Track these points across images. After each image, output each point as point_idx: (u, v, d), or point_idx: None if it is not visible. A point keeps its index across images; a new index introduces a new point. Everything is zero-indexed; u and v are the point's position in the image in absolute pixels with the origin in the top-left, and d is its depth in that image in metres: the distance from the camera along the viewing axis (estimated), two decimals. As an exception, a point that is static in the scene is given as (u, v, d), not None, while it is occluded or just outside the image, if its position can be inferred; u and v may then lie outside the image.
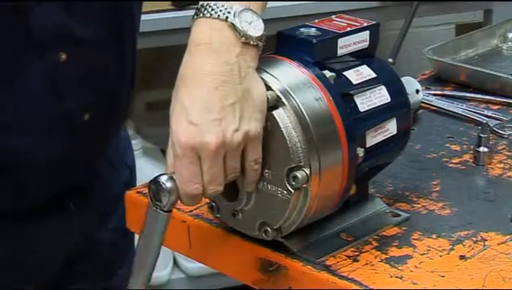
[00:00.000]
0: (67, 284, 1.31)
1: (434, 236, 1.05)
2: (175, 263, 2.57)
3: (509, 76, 1.49)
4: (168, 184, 0.93)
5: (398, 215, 1.08)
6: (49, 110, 1.14)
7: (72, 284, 1.31)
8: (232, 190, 0.99)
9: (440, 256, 1.01)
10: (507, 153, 1.28)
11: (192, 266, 2.50)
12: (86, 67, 1.16)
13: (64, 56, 1.13)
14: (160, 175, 0.94)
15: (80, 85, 1.16)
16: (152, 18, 2.10)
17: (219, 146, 0.91)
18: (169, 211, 0.95)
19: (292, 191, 0.94)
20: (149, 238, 0.97)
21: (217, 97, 0.92)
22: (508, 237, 1.05)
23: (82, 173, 1.25)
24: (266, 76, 0.95)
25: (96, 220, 1.32)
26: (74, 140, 1.18)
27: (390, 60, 1.15)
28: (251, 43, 0.94)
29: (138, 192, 1.16)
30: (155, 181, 0.94)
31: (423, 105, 1.41)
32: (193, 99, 0.92)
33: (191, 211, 1.10)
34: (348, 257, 1.00)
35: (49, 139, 1.16)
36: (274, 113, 0.93)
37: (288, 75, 0.96)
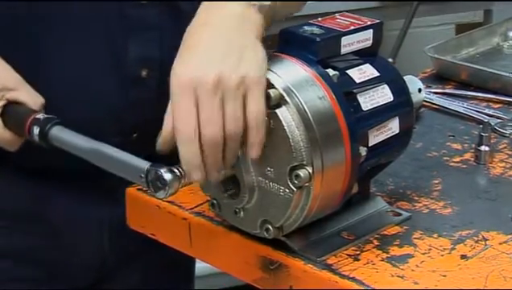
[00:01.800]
0: None
1: (435, 235, 1.05)
2: (176, 262, 2.57)
3: (510, 75, 1.49)
4: (169, 177, 0.92)
5: (400, 214, 1.08)
6: (110, 51, 1.17)
7: None
8: (233, 185, 0.99)
9: (442, 255, 1.01)
10: (508, 152, 1.28)
11: (193, 266, 2.49)
12: (161, 22, 1.19)
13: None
14: (160, 166, 0.94)
15: (148, 37, 1.18)
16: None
17: (216, 83, 0.91)
18: None
19: (294, 189, 0.94)
20: (108, 163, 1.00)
21: (221, 40, 0.94)
22: (509, 236, 1.05)
23: (117, 135, 1.22)
24: (269, 74, 0.95)
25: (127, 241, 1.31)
26: (125, 93, 1.19)
27: (390, 59, 1.15)
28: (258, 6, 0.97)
29: (139, 189, 1.15)
30: (156, 171, 0.93)
31: (424, 103, 1.41)
32: (197, 39, 0.95)
33: (192, 209, 1.10)
34: (350, 256, 1.00)
35: (99, 80, 1.18)
36: (277, 111, 0.93)
37: (291, 73, 0.96)
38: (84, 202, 1.26)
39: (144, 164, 0.95)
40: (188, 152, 0.93)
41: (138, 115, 1.22)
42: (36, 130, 1.06)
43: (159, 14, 1.20)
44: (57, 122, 1.06)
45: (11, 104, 1.11)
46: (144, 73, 1.21)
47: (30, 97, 1.11)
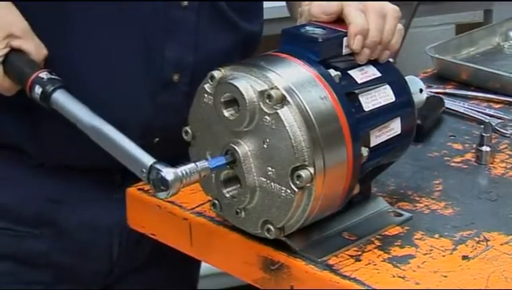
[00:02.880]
0: None
1: (436, 236, 1.04)
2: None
3: (511, 75, 1.49)
4: (170, 177, 0.92)
5: (401, 214, 1.08)
6: (146, 49, 1.16)
7: None
8: (235, 185, 0.99)
9: (443, 256, 1.01)
10: (509, 152, 1.28)
11: (193, 266, 2.49)
12: (200, 26, 1.19)
13: (185, 3, 1.17)
14: (162, 166, 0.94)
15: (185, 40, 1.19)
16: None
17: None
18: None
19: (296, 190, 0.94)
20: (109, 144, 1.00)
21: None
22: (511, 237, 1.05)
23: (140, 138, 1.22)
24: (270, 75, 0.95)
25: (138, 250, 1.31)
26: (153, 96, 1.19)
27: (391, 59, 1.15)
28: None
29: (140, 189, 1.15)
30: (157, 172, 0.93)
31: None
32: None
33: (193, 209, 1.10)
34: (351, 256, 1.00)
35: (129, 79, 1.18)
36: (279, 111, 0.93)
37: (293, 73, 0.96)
38: (95, 209, 1.25)
39: (148, 160, 0.95)
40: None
41: (164, 120, 1.21)
42: (38, 89, 1.05)
43: (199, 19, 1.19)
44: (61, 85, 1.05)
45: (14, 51, 1.09)
46: (176, 78, 1.20)
47: (35, 48, 1.10)
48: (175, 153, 1.26)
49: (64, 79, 1.11)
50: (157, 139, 1.22)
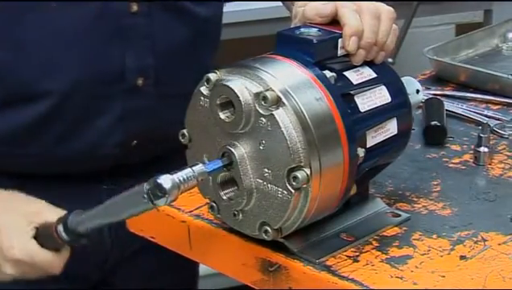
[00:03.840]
0: None
1: (434, 236, 1.05)
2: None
3: (510, 77, 1.49)
4: (168, 185, 0.92)
5: (399, 215, 1.08)
6: (105, 60, 1.18)
7: None
8: (232, 188, 0.99)
9: (441, 256, 1.01)
10: (507, 153, 1.28)
11: (193, 266, 2.49)
12: (153, 27, 1.20)
13: (135, 8, 1.18)
14: (160, 175, 0.94)
15: (142, 45, 1.20)
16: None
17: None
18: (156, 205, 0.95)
19: (293, 191, 0.94)
20: (119, 209, 0.99)
21: None
22: (508, 237, 1.05)
23: (117, 147, 1.24)
24: (266, 76, 0.95)
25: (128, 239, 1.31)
26: (121, 102, 1.21)
27: (390, 60, 1.15)
28: None
29: (139, 193, 1.15)
30: (155, 182, 0.93)
31: (421, 105, 1.41)
32: None
33: (191, 211, 1.10)
34: (349, 257, 1.00)
35: (95, 88, 1.19)
36: (275, 113, 0.93)
37: (288, 75, 0.96)
38: (83, 200, 1.26)
39: (142, 185, 0.95)
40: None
41: (137, 124, 1.23)
42: (60, 227, 1.07)
43: (152, 24, 1.21)
44: (77, 212, 1.07)
45: (41, 225, 1.11)
46: (140, 82, 1.22)
47: (57, 213, 1.11)
48: (157, 153, 1.28)
49: (26, 95, 1.15)
50: (135, 142, 1.24)
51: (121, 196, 0.99)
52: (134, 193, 0.96)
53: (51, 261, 1.11)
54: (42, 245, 1.11)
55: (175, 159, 1.28)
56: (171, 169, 0.93)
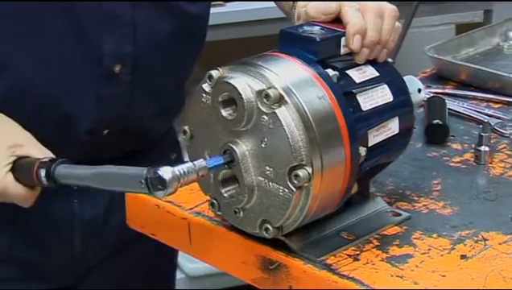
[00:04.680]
0: None
1: (435, 235, 1.05)
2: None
3: (510, 75, 1.49)
4: (168, 176, 0.92)
5: (399, 214, 1.08)
6: (83, 43, 1.17)
7: None
8: (233, 185, 0.99)
9: (441, 256, 1.01)
10: (508, 152, 1.28)
11: (193, 266, 2.49)
12: (135, 16, 1.19)
13: None
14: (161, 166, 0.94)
15: (122, 31, 1.19)
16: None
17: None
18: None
19: (294, 189, 0.94)
20: (113, 182, 0.99)
21: None
22: (509, 236, 1.05)
23: (87, 134, 1.24)
24: (268, 74, 0.95)
25: (101, 242, 1.31)
26: (96, 88, 1.20)
27: (390, 59, 1.15)
28: None
29: (139, 189, 1.15)
30: (155, 172, 0.93)
31: (423, 103, 1.41)
32: None
33: (191, 208, 1.10)
34: (349, 256, 1.00)
35: (70, 73, 1.18)
36: (277, 111, 0.93)
37: (291, 73, 0.96)
38: (55, 203, 1.26)
39: (142, 170, 0.95)
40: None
41: (110, 111, 1.22)
42: (42, 172, 1.07)
43: (133, 10, 1.20)
44: (62, 161, 1.07)
45: (21, 158, 1.11)
46: (117, 69, 1.21)
47: (39, 152, 1.11)
48: (128, 149, 1.26)
49: (4, 80, 1.14)
50: (106, 131, 1.24)
51: (117, 171, 0.98)
52: (132, 175, 0.95)
53: (24, 196, 1.11)
54: (18, 178, 1.10)
55: (148, 157, 1.28)
56: (143, 166, 0.94)
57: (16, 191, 1.10)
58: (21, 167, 1.10)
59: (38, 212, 1.23)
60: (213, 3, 2.21)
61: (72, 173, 1.05)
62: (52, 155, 1.11)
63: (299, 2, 1.10)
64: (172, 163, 0.93)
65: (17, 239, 1.26)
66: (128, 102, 1.23)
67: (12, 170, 1.10)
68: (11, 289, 1.28)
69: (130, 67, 1.21)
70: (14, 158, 1.10)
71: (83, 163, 1.04)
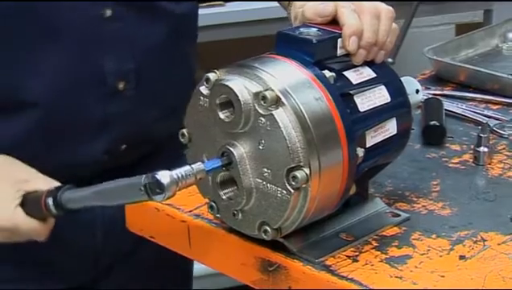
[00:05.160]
0: None
1: (434, 236, 1.05)
2: (175, 263, 2.57)
3: (509, 76, 1.49)
4: (166, 181, 0.92)
5: (398, 215, 1.08)
6: (83, 66, 1.17)
7: None
8: (231, 187, 0.99)
9: (440, 256, 1.01)
10: (507, 153, 1.28)
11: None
12: (129, 31, 1.20)
13: (109, 12, 1.17)
14: (158, 171, 0.94)
15: (119, 49, 1.20)
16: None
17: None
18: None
19: (292, 191, 0.94)
20: (114, 196, 1.00)
21: None
22: (508, 237, 1.05)
23: (106, 153, 1.24)
24: (265, 76, 0.95)
25: (121, 239, 1.31)
26: (103, 107, 1.21)
27: (390, 59, 1.15)
28: None
29: (138, 192, 1.15)
30: (153, 176, 0.93)
31: (421, 105, 1.41)
32: None
33: (191, 211, 1.10)
34: (348, 257, 1.00)
35: (76, 97, 1.18)
36: (274, 113, 0.93)
37: (288, 75, 0.96)
38: None
39: (140, 177, 0.95)
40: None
41: (122, 128, 1.23)
42: (50, 201, 1.07)
43: (127, 27, 1.20)
44: (68, 187, 1.07)
45: (30, 193, 1.11)
46: (121, 86, 1.22)
47: (45, 184, 1.11)
48: (144, 153, 1.27)
49: (10, 106, 1.15)
50: (124, 146, 1.25)
51: (117, 184, 0.98)
52: (131, 184, 0.96)
53: (37, 229, 1.11)
54: (28, 213, 1.10)
55: (163, 156, 1.29)
56: (159, 166, 0.94)
57: (28, 225, 1.10)
58: (30, 201, 1.11)
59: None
60: (213, 3, 2.23)
61: (76, 196, 1.06)
62: (57, 184, 1.11)
63: (296, 3, 1.11)
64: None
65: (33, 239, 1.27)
66: (138, 115, 1.24)
67: (22, 205, 1.11)
68: (31, 289, 1.28)
69: (134, 82, 1.22)
70: (21, 192, 1.11)
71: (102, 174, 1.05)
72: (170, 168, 0.93)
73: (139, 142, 1.27)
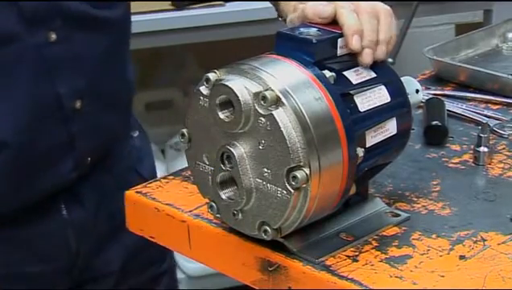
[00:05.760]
0: None
1: (434, 236, 1.05)
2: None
3: (509, 76, 1.49)
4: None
5: (398, 215, 1.08)
6: (39, 95, 1.17)
7: None
8: (231, 187, 0.99)
9: (440, 256, 1.01)
10: (507, 153, 1.28)
11: (192, 266, 2.50)
12: (75, 49, 1.19)
13: (53, 36, 1.17)
14: None
15: (69, 69, 1.20)
16: (152, 18, 2.11)
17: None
18: None
19: (292, 191, 0.94)
20: None
21: None
22: (508, 237, 1.05)
23: (74, 170, 1.26)
24: (265, 76, 0.95)
25: (95, 234, 1.33)
26: (66, 129, 1.22)
27: (390, 59, 1.15)
28: None
29: (138, 192, 1.15)
30: None
31: (422, 105, 1.41)
32: None
33: (190, 211, 1.10)
34: (348, 257, 1.00)
35: (40, 127, 1.19)
36: (274, 113, 0.93)
37: (288, 75, 0.96)
38: (46, 220, 1.27)
39: None
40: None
41: (87, 143, 1.25)
42: None
43: (73, 47, 1.20)
44: None
45: None
46: (78, 105, 1.22)
47: None
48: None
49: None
50: (89, 159, 1.27)
51: None
52: None
53: None
54: None
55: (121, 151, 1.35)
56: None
57: None
58: None
59: (32, 229, 1.25)
60: (213, 3, 2.23)
61: None
62: None
63: (296, 4, 1.11)
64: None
65: (15, 256, 1.27)
66: (100, 129, 1.27)
67: None
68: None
69: (89, 98, 1.23)
70: None
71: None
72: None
73: (103, 151, 1.30)
